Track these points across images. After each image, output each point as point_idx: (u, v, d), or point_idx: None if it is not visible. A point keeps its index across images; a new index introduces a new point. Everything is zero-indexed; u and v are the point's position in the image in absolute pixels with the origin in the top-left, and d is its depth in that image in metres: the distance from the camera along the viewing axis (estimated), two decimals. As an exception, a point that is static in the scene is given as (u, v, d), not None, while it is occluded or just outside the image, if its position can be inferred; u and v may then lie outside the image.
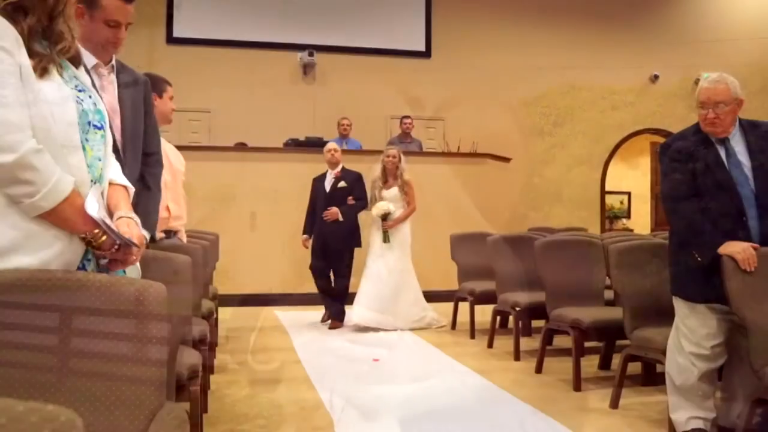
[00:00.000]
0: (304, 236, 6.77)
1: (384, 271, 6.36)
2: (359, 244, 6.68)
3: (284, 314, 6.65)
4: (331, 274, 6.65)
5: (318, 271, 6.63)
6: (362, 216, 6.75)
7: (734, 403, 3.20)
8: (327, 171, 6.79)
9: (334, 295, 6.61)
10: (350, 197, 6.60)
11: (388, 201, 6.48)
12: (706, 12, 11.80)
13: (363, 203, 6.64)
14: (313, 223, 6.74)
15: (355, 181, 6.69)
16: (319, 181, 6.83)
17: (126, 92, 2.70)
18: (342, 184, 6.61)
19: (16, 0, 1.55)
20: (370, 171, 6.73)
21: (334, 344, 5.73)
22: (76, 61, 1.73)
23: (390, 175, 6.62)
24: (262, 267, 7.59)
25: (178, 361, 2.60)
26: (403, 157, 6.69)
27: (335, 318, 6.53)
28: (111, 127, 2.63)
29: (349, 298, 6.53)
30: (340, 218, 6.50)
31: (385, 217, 6.43)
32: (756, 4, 11.99)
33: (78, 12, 2.41)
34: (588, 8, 11.30)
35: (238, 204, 8.02)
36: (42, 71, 1.57)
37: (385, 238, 6.44)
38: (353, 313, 6.31)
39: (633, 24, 11.46)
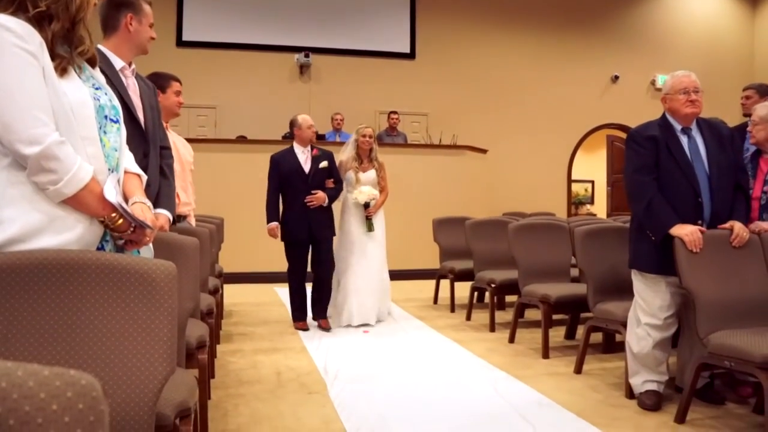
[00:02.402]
0: (273, 224, 5.14)
1: (375, 263, 5.34)
2: (335, 233, 5.35)
3: (283, 290, 6.62)
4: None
5: (302, 266, 5.23)
6: None
7: (687, 366, 3.25)
8: (292, 148, 5.22)
9: (327, 294, 5.30)
10: (329, 180, 5.21)
11: (368, 185, 5.34)
12: (661, 20, 11.84)
13: (341, 187, 5.31)
14: (278, 207, 5.21)
15: (332, 161, 5.26)
16: (287, 160, 5.17)
17: (143, 93, 2.74)
18: (324, 164, 5.16)
19: (44, 8, 1.55)
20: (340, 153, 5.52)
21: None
22: (93, 62, 1.73)
23: (364, 157, 5.41)
24: (263, 247, 7.56)
25: (188, 333, 2.60)
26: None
27: (324, 317, 5.26)
28: (139, 122, 2.66)
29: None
30: (325, 204, 5.16)
31: (367, 203, 5.32)
32: (704, 15, 12.04)
33: (128, 20, 2.53)
34: (557, 16, 11.30)
35: (241, 191, 8.00)
36: (62, 71, 1.57)
37: (370, 227, 5.29)
38: (354, 314, 5.26)
39: (597, 30, 11.48)
